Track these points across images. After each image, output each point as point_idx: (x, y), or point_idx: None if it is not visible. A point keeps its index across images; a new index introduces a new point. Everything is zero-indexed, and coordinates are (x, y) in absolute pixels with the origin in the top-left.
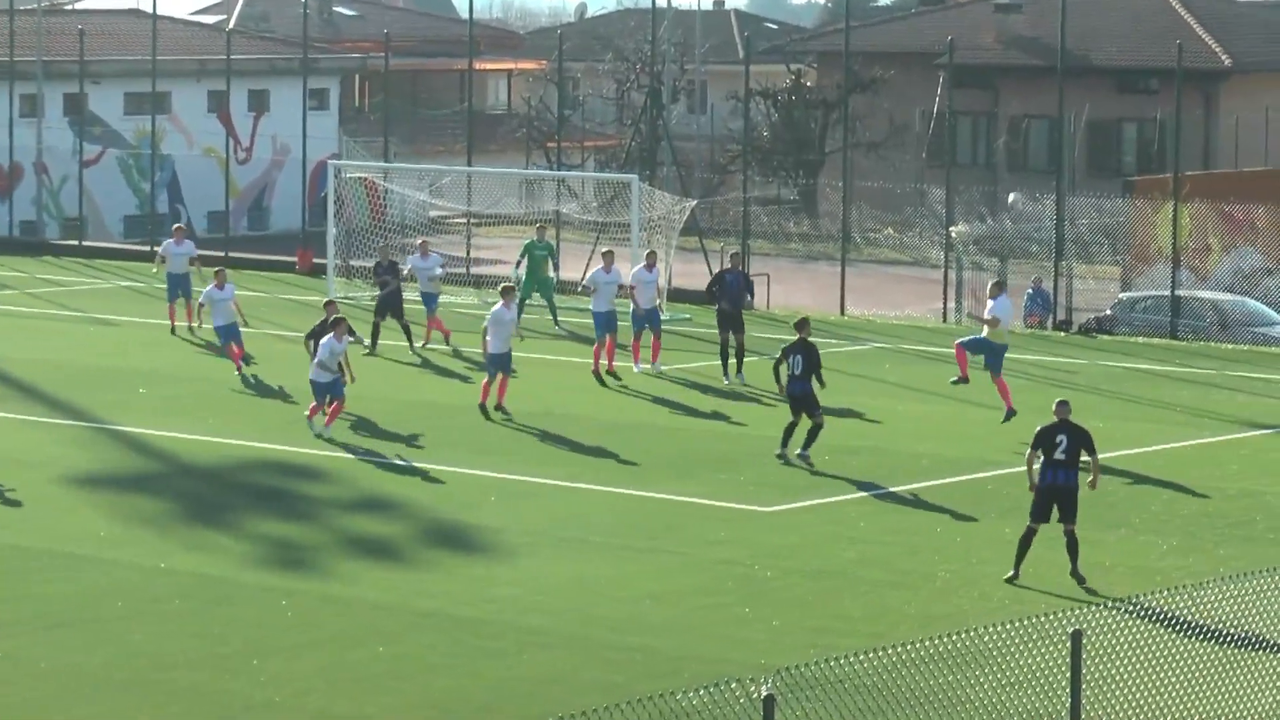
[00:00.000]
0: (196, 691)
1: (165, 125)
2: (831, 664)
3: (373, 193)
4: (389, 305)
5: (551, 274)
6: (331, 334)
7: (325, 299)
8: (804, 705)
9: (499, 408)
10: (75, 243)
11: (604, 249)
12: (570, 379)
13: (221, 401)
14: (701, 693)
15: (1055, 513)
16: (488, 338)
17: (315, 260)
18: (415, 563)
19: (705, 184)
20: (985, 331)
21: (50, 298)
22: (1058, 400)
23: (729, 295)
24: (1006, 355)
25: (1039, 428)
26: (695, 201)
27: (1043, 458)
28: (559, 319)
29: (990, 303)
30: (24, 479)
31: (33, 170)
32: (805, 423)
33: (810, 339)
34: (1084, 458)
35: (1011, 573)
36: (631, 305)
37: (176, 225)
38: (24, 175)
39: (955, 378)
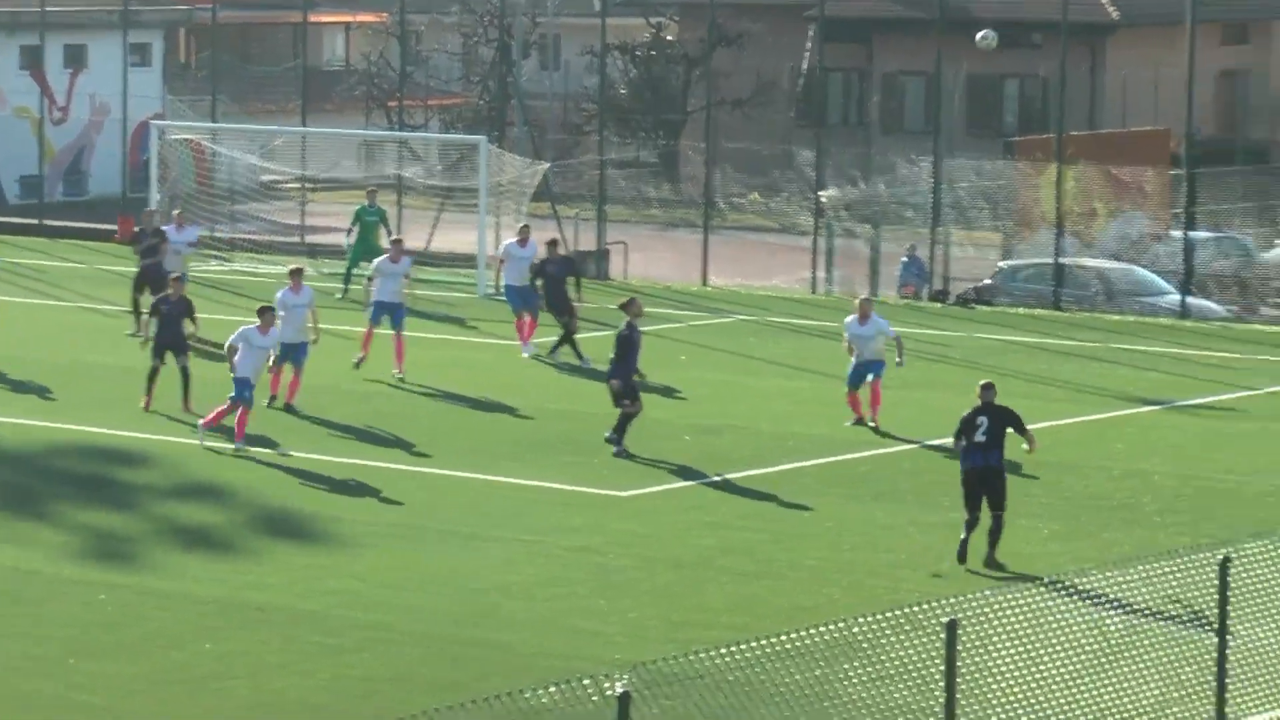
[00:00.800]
0: (8, 695)
1: None
2: (692, 659)
3: (199, 155)
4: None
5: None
6: (256, 327)
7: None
8: (661, 703)
9: (286, 406)
10: None
11: (521, 223)
12: (413, 356)
13: (34, 381)
14: (552, 690)
15: None
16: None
17: (136, 229)
18: (245, 553)
19: (559, 146)
20: (856, 356)
21: None
22: (981, 383)
23: (551, 289)
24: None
25: (962, 415)
26: (548, 165)
27: (964, 442)
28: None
29: (868, 322)
30: None
31: None
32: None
33: (636, 322)
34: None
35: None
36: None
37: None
38: None
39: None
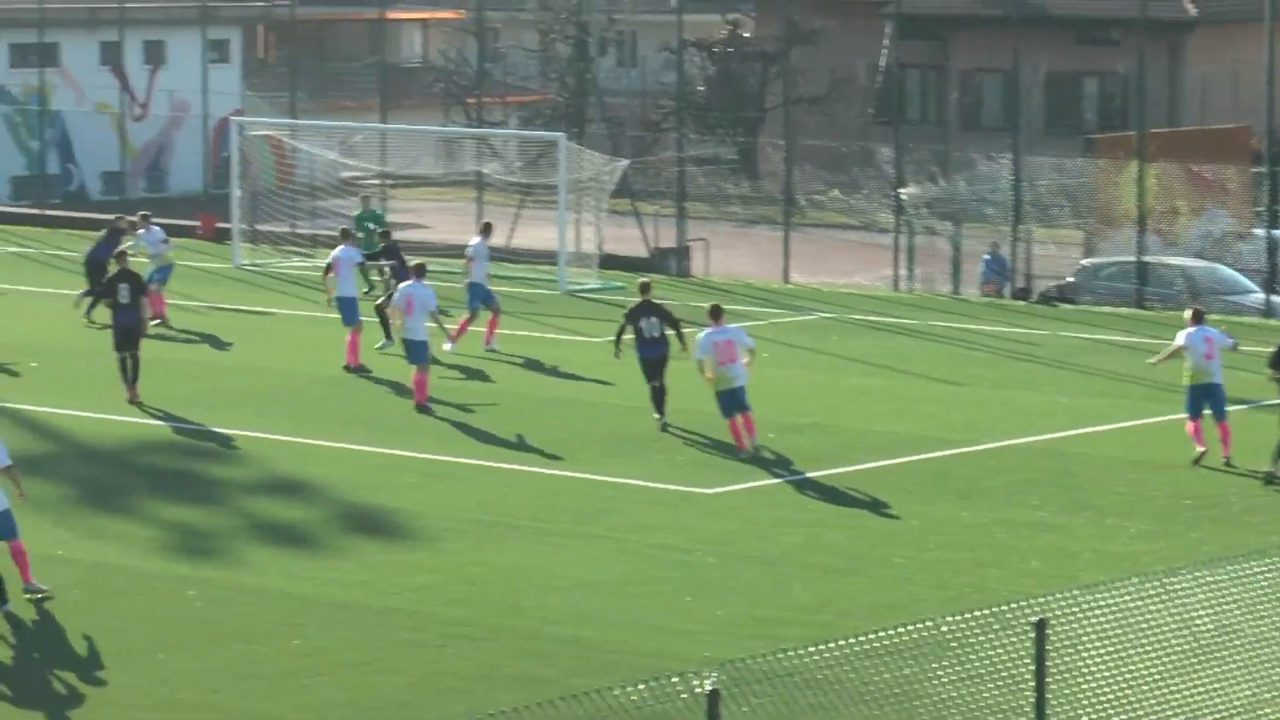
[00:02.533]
0: (96, 689)
1: (54, 79)
2: (779, 656)
3: (279, 152)
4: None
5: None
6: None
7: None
8: (751, 700)
9: (419, 407)
10: None
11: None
12: (484, 353)
13: (118, 378)
14: (640, 687)
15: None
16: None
17: (218, 225)
18: (330, 549)
19: (637, 143)
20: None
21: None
22: None
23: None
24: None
25: None
26: (627, 161)
27: None
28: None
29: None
30: None
31: None
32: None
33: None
34: None
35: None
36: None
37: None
38: None
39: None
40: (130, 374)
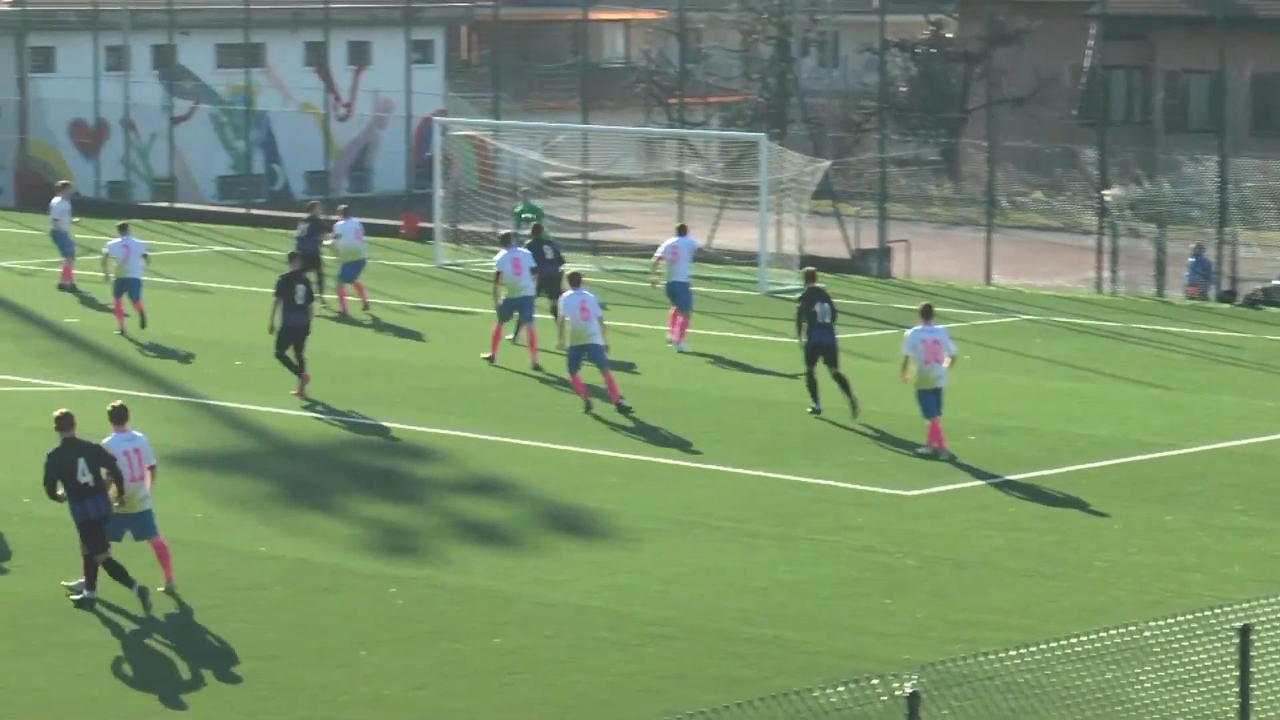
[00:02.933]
0: (298, 685)
1: (260, 79)
2: (979, 660)
3: (482, 152)
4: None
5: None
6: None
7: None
8: (950, 704)
9: (618, 406)
10: (166, 204)
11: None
12: (685, 355)
13: (322, 376)
14: (840, 689)
15: None
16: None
17: (421, 224)
18: (531, 548)
19: (838, 143)
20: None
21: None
22: None
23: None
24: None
25: None
26: (829, 162)
27: None
28: None
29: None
30: None
31: (120, 128)
32: (823, 370)
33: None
34: None
35: None
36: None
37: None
38: (111, 133)
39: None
40: (301, 366)
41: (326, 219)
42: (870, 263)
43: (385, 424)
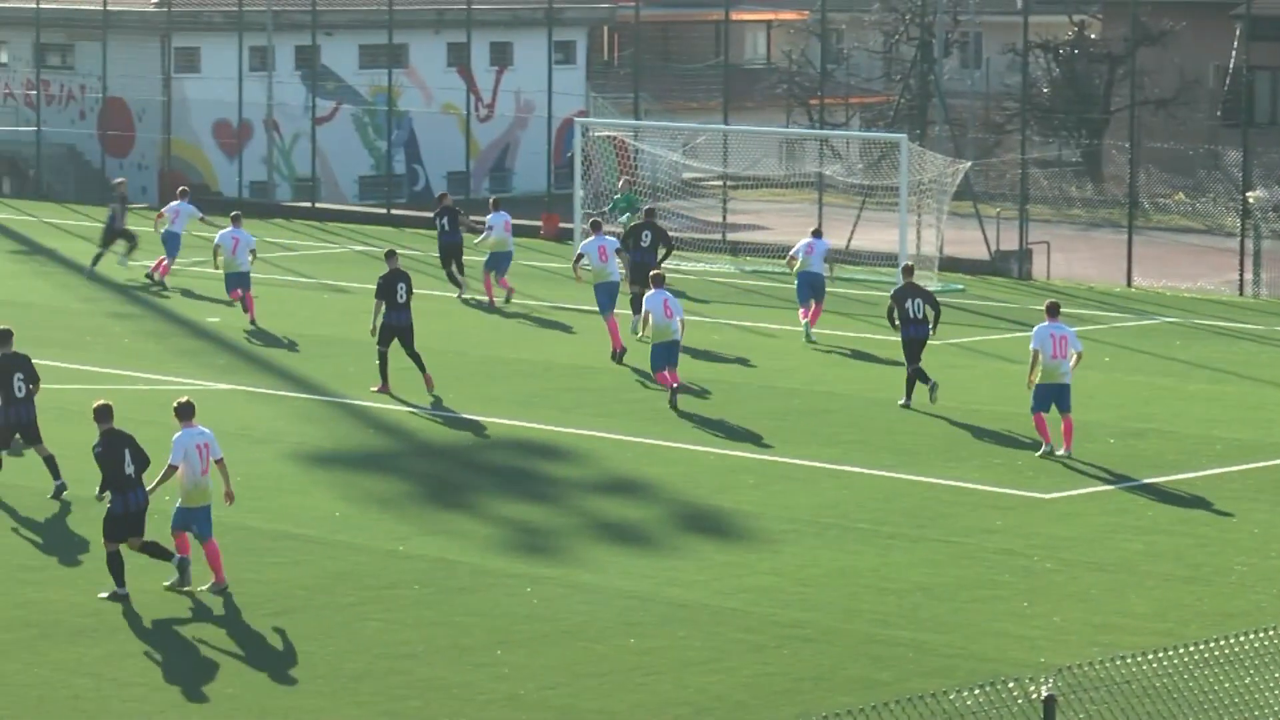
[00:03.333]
0: (435, 684)
1: (402, 80)
2: (1117, 663)
3: (622, 153)
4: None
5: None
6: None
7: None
8: (1087, 708)
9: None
10: (308, 204)
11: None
12: (823, 356)
13: (461, 375)
14: (976, 692)
15: None
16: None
17: (561, 225)
18: (667, 549)
19: (980, 144)
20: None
21: (280, 263)
22: None
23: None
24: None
25: None
26: (969, 163)
27: None
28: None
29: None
30: (252, 456)
31: (263, 128)
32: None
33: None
34: None
35: None
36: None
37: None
38: (254, 133)
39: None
40: (419, 366)
41: (470, 216)
42: (1011, 264)
43: (523, 423)
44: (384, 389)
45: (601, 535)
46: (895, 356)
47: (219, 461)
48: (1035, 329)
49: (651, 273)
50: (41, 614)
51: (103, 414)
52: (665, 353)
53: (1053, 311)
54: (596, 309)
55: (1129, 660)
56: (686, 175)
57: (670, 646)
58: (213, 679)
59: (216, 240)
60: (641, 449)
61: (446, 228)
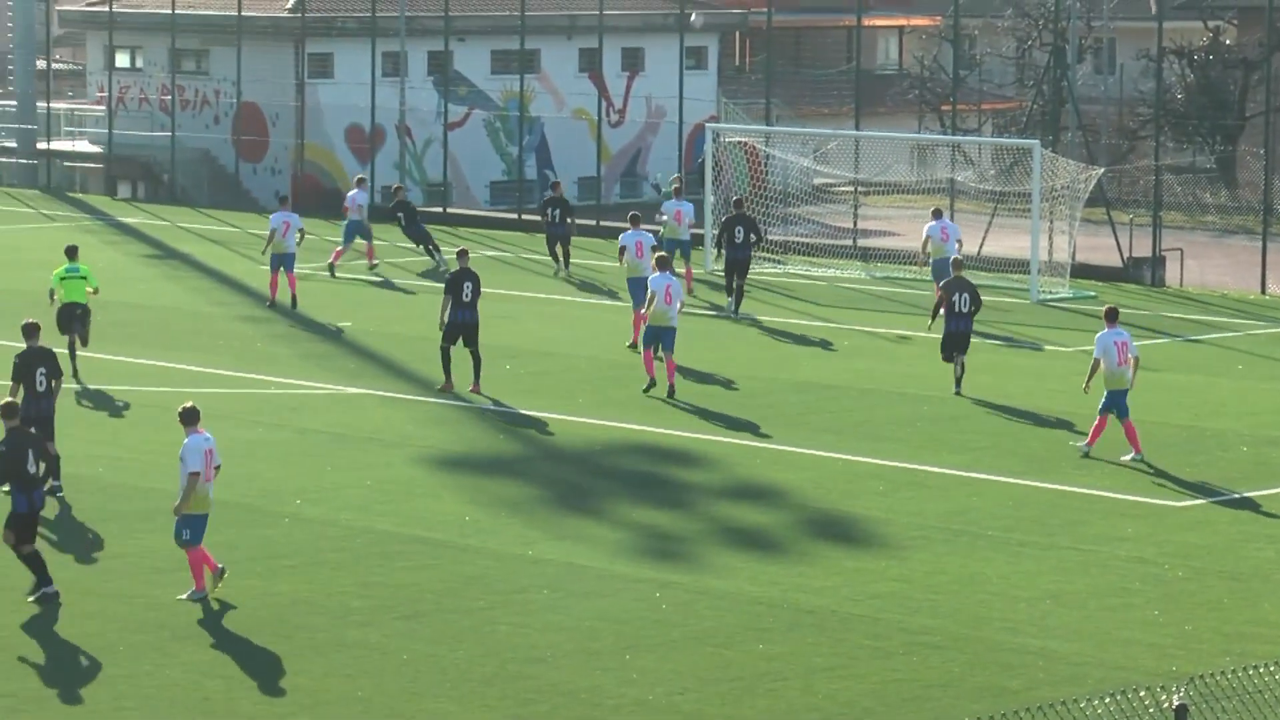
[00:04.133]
0: (564, 688)
1: (534, 85)
2: (1250, 673)
3: (753, 159)
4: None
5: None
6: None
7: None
8: (1219, 717)
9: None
10: (439, 209)
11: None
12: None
13: (593, 379)
14: (1106, 700)
15: None
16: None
17: (692, 231)
18: (796, 555)
19: (1113, 150)
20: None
21: (411, 268)
22: None
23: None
24: None
25: None
26: (1103, 170)
27: None
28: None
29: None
30: (383, 459)
31: (395, 133)
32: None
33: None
34: None
35: None
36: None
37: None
38: (386, 138)
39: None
40: (475, 365)
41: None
42: (1144, 271)
43: (652, 428)
44: (447, 387)
45: (730, 540)
46: (1026, 363)
47: (217, 468)
48: (1097, 336)
49: (658, 254)
50: (173, 615)
51: (8, 411)
52: (659, 335)
53: (1111, 317)
54: (715, 312)
55: (1262, 669)
56: (817, 181)
57: (798, 652)
58: (342, 682)
59: (271, 224)
60: (770, 454)
61: (555, 218)
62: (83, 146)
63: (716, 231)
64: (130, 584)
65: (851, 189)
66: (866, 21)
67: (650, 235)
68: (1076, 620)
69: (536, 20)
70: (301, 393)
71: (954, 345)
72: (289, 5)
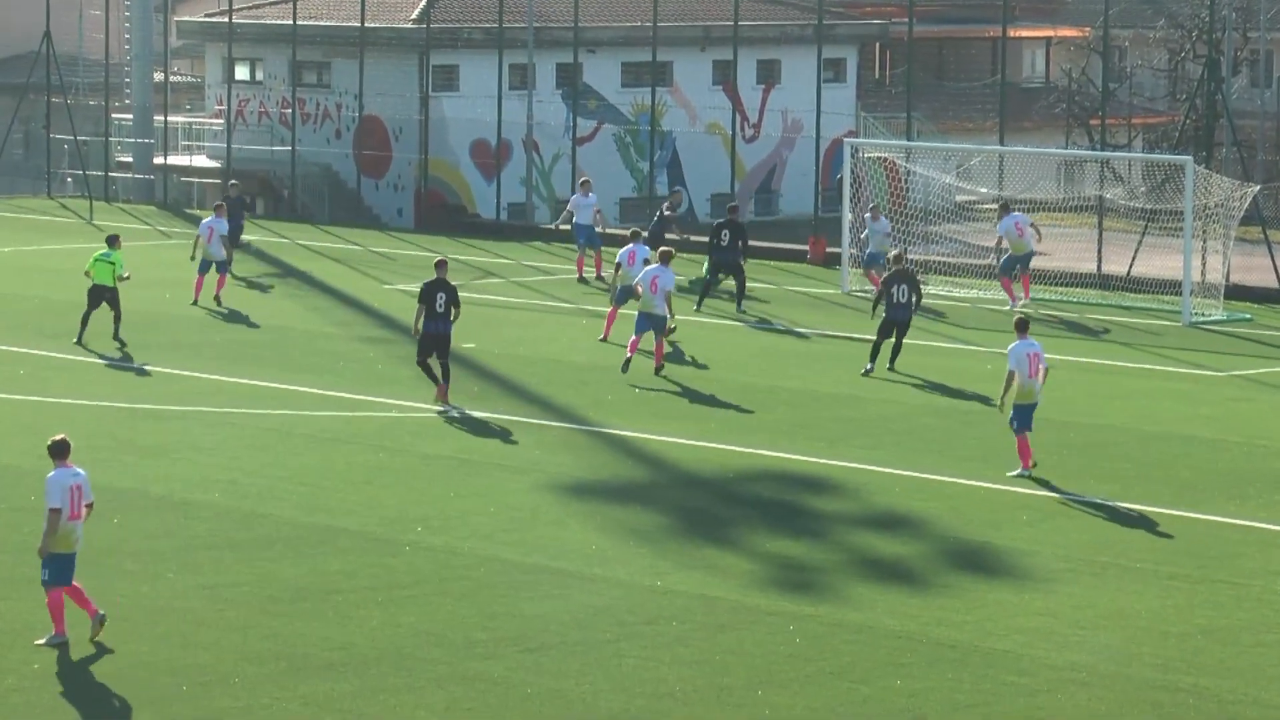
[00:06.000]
0: None
1: (666, 98)
2: None
3: (893, 175)
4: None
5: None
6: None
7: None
8: None
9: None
10: (567, 227)
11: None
12: (1112, 385)
13: (723, 405)
14: None
15: None
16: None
17: (828, 249)
18: (936, 587)
19: (1270, 167)
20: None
21: (538, 287)
22: None
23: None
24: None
25: None
26: (1258, 187)
27: None
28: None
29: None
30: (508, 486)
31: (523, 148)
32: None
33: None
34: None
35: None
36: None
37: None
38: (513, 153)
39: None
40: (442, 376)
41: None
42: None
43: (786, 454)
44: (442, 397)
45: (868, 572)
46: (1177, 387)
47: (89, 506)
48: (1009, 348)
49: (661, 248)
50: (290, 647)
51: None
52: (645, 322)
53: (1021, 328)
54: (835, 332)
55: None
56: (960, 198)
57: (938, 689)
58: (464, 716)
59: (198, 230)
60: (911, 482)
61: (724, 243)
62: (200, 161)
63: (709, 237)
64: (246, 614)
65: (996, 207)
66: (1012, 32)
67: (644, 248)
68: (1230, 656)
69: (669, 31)
70: (424, 417)
71: (890, 330)
72: (413, 16)
